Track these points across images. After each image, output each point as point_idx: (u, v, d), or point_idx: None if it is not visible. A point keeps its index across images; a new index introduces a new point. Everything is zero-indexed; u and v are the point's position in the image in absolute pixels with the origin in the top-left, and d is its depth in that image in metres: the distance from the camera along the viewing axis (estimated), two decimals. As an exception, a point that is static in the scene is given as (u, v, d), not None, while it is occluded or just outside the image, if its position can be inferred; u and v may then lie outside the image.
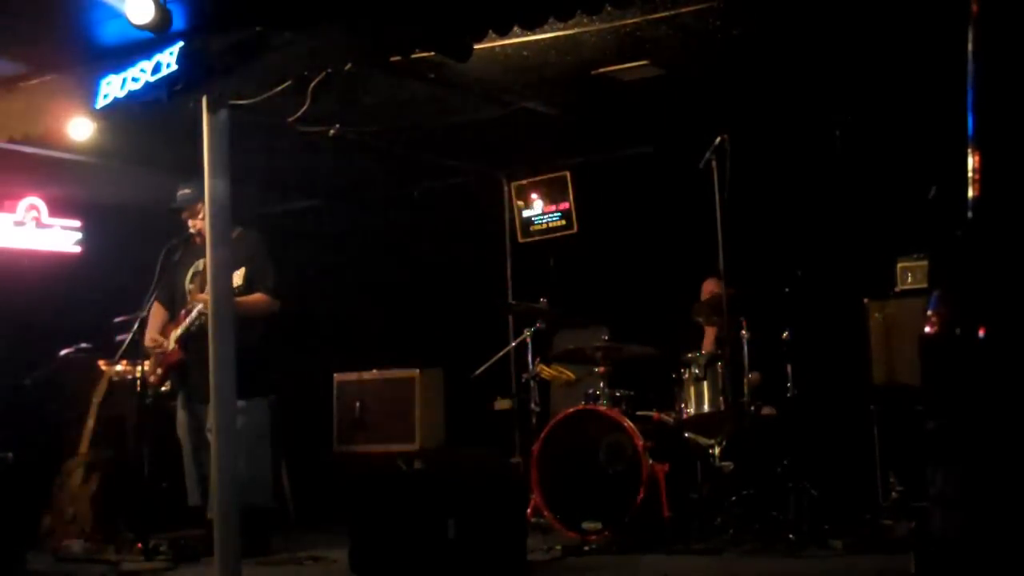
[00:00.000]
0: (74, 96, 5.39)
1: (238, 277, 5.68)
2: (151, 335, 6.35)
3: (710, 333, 6.80)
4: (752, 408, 6.11)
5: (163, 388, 6.33)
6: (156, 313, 6.43)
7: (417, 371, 7.28)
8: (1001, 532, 2.75)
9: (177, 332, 6.20)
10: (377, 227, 9.04)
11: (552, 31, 5.39)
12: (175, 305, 6.37)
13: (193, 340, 6.08)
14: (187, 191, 6.14)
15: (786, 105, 6.91)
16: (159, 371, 6.29)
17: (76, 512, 6.49)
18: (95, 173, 7.91)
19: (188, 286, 6.32)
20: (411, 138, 7.54)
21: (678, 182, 6.85)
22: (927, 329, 2.89)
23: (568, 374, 6.93)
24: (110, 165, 7.73)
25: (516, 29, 4.54)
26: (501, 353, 7.28)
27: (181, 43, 4.93)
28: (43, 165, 7.52)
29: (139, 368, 6.29)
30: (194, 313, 6.08)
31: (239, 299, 5.58)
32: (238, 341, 5.12)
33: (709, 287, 6.64)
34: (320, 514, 7.02)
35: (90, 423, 6.81)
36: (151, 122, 5.90)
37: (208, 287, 5.20)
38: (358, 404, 7.38)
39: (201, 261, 6.19)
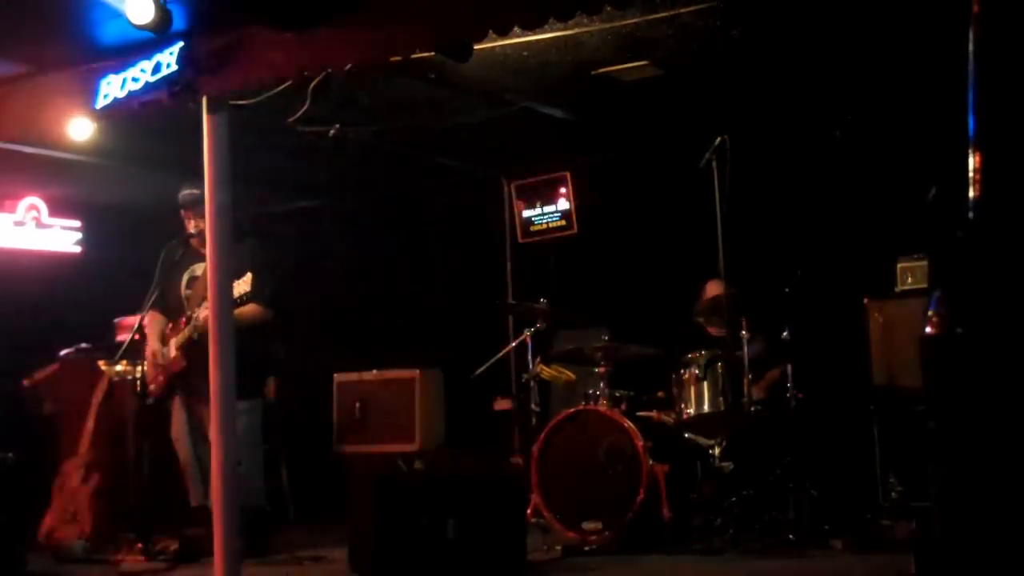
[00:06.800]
0: (74, 96, 5.38)
1: (245, 284, 5.64)
2: (152, 345, 6.32)
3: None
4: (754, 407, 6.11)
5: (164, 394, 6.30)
6: (155, 321, 6.33)
7: (417, 371, 7.26)
8: (1002, 531, 2.75)
9: (178, 340, 6.16)
10: (377, 227, 9.05)
11: (552, 31, 5.40)
12: (171, 310, 6.32)
13: (194, 346, 6.02)
14: (195, 191, 6.01)
15: (786, 105, 6.91)
16: (160, 379, 6.26)
17: (76, 512, 6.48)
18: (95, 173, 7.92)
19: (185, 291, 6.27)
20: (411, 138, 7.54)
21: (678, 182, 6.85)
22: (927, 329, 2.89)
23: (568, 374, 6.92)
24: (110, 165, 7.74)
25: (516, 29, 4.53)
26: (501, 353, 7.27)
27: (181, 43, 4.92)
28: (43, 165, 7.53)
29: (139, 368, 6.27)
30: (197, 320, 6.00)
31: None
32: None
33: (712, 289, 6.63)
34: (320, 514, 7.01)
35: (90, 423, 6.80)
36: (151, 122, 5.89)
37: (208, 289, 5.18)
38: (358, 404, 7.36)
39: (198, 266, 6.16)
